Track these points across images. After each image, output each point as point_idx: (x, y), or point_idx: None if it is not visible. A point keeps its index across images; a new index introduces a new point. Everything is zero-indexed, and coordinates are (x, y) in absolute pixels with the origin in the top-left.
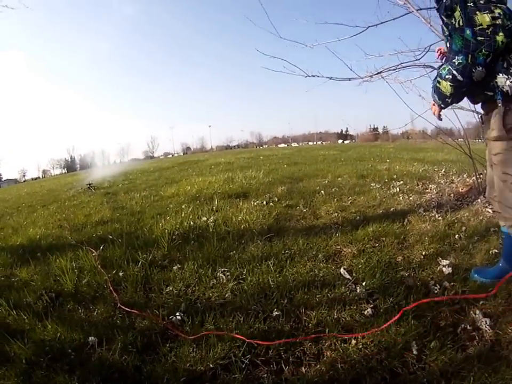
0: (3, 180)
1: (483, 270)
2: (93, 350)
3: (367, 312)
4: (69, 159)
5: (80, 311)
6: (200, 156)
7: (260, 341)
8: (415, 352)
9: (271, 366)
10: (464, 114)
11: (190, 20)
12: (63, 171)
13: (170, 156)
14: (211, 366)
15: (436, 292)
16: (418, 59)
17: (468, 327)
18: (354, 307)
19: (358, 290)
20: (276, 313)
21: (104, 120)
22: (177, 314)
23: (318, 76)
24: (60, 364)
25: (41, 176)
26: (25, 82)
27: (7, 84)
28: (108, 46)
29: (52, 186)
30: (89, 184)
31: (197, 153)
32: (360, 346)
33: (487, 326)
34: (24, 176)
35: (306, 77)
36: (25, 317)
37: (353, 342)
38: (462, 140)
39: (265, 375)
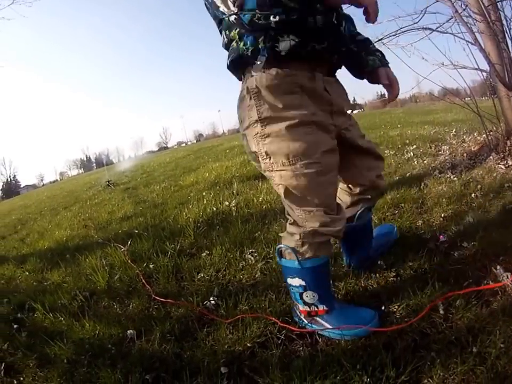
0: (22, 186)
1: None
2: (133, 342)
3: (392, 279)
4: (85, 159)
5: (115, 306)
6: (214, 141)
7: (293, 327)
8: (441, 312)
9: (306, 338)
10: (468, 73)
11: (186, 8)
12: (80, 171)
13: (184, 144)
14: (248, 345)
15: (455, 254)
16: (416, 22)
17: (491, 282)
18: (380, 274)
19: (382, 257)
20: None
21: (114, 117)
22: (211, 299)
23: None
24: (101, 360)
25: (59, 179)
26: (35, 88)
27: (19, 93)
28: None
29: (71, 187)
30: (108, 181)
31: (210, 139)
32: (388, 312)
33: (508, 280)
34: (42, 180)
35: None
36: (62, 318)
37: (383, 306)
38: (469, 98)
39: (301, 348)
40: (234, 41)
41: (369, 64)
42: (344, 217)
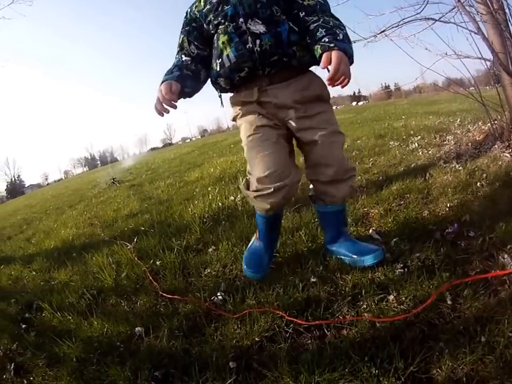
0: (26, 186)
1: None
2: (141, 339)
3: (399, 270)
4: (89, 157)
5: (123, 304)
6: (218, 136)
7: (300, 320)
8: (449, 302)
9: (314, 332)
10: (472, 62)
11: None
12: (84, 169)
13: (189, 140)
14: (256, 339)
15: (462, 244)
16: (419, 13)
17: (498, 271)
18: (387, 266)
19: (389, 249)
20: (313, 280)
21: (117, 111)
22: (218, 294)
23: None
24: (110, 358)
25: (63, 177)
26: (36, 87)
27: (20, 92)
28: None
29: (76, 185)
30: (113, 179)
31: (214, 134)
32: (396, 304)
33: None
34: (46, 179)
35: None
36: (70, 317)
37: (390, 298)
38: (473, 88)
39: (309, 341)
40: None
41: (315, 55)
42: (280, 180)
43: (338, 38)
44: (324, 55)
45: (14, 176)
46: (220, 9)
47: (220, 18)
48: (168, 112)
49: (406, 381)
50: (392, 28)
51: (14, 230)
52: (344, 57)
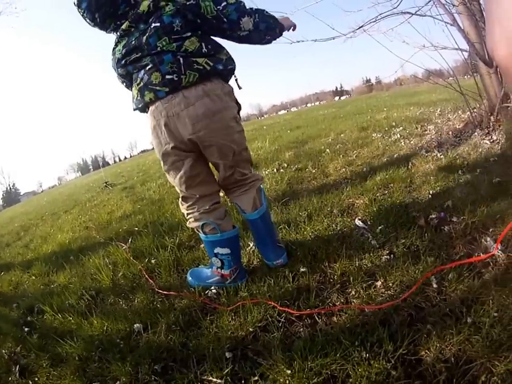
0: (22, 193)
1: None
2: (140, 335)
3: (385, 257)
4: (81, 162)
5: (121, 302)
6: None
7: (292, 310)
8: (435, 285)
9: (306, 320)
10: (450, 53)
11: None
12: (78, 174)
13: None
14: (251, 330)
15: (445, 229)
16: (396, 7)
17: (481, 254)
18: (373, 253)
19: (375, 237)
20: (302, 270)
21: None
22: (212, 288)
23: (303, 41)
24: (111, 354)
25: (57, 184)
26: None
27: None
28: None
29: (70, 191)
30: (106, 183)
31: None
32: (383, 290)
33: (499, 251)
34: (41, 186)
35: (291, 43)
36: (71, 318)
37: (378, 284)
38: (452, 78)
39: (301, 329)
40: None
41: None
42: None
43: None
44: None
45: (9, 184)
46: None
47: None
48: None
49: (396, 363)
50: (371, 22)
51: (12, 237)
52: None
